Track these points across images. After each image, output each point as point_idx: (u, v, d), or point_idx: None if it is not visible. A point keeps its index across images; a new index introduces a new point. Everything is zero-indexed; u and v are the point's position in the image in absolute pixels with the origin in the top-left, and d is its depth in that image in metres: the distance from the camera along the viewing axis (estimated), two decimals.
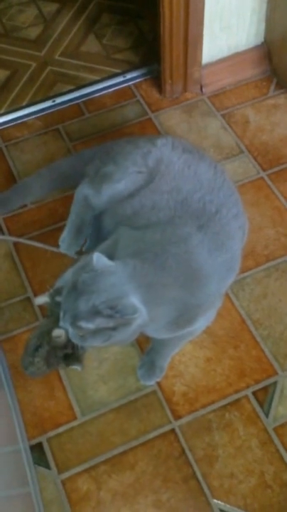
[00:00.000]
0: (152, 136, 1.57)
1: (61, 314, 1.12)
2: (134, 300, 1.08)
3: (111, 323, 1.07)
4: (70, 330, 1.11)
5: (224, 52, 1.92)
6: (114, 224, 1.34)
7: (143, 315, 1.09)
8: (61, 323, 1.12)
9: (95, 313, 1.06)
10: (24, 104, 1.95)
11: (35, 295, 1.49)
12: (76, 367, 1.29)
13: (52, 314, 1.32)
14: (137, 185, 1.35)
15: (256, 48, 1.95)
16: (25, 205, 1.69)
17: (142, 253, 1.16)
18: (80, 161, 1.61)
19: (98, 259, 1.10)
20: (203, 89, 1.94)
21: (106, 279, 1.09)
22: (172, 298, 1.15)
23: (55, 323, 1.24)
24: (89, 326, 1.07)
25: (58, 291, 1.30)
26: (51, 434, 1.31)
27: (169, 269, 1.15)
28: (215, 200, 1.29)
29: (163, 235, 1.22)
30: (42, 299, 1.38)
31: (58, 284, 1.34)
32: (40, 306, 1.48)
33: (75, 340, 1.13)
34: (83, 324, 1.07)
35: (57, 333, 1.26)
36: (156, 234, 1.22)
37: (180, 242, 1.20)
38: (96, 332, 1.08)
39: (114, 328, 1.08)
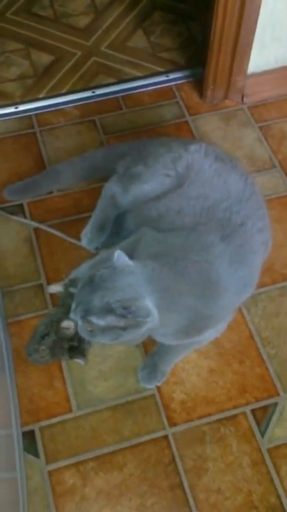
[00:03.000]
0: (186, 140, 1.56)
1: (73, 306, 1.12)
2: (149, 303, 1.07)
3: (122, 323, 1.07)
4: (80, 323, 1.11)
5: (270, 64, 1.89)
6: (137, 224, 1.33)
7: (155, 319, 1.09)
8: (71, 315, 1.12)
9: (108, 310, 1.06)
10: (64, 91, 1.95)
11: (49, 283, 1.50)
12: (79, 361, 1.29)
13: (63, 305, 1.32)
14: (164, 188, 1.34)
15: None
16: (51, 192, 1.69)
17: (162, 256, 1.15)
18: (113, 154, 1.61)
19: (119, 256, 1.10)
20: (244, 99, 1.92)
21: (123, 277, 1.08)
22: (186, 306, 1.14)
23: (65, 314, 1.24)
24: (100, 322, 1.07)
25: (73, 282, 1.30)
26: (44, 423, 1.31)
27: (187, 277, 1.15)
28: (242, 212, 1.28)
29: (185, 240, 1.21)
30: (55, 288, 1.38)
31: (73, 275, 1.35)
32: (52, 295, 1.48)
33: (83, 334, 1.13)
34: (94, 320, 1.07)
35: (67, 324, 1.26)
36: (179, 239, 1.22)
37: (202, 251, 1.19)
38: (105, 329, 1.08)
39: (124, 328, 1.08)
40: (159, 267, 1.12)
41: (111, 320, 1.06)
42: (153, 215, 1.31)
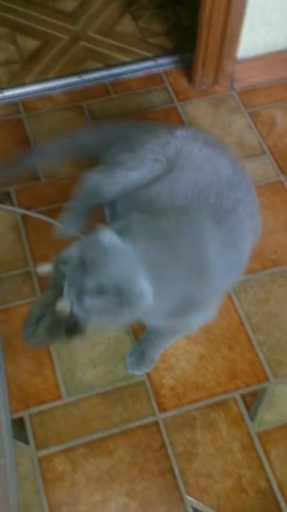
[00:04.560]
0: (173, 126, 1.54)
1: (66, 286, 1.10)
2: (142, 284, 1.06)
3: (116, 305, 1.06)
4: (75, 304, 1.09)
5: (260, 49, 1.88)
6: (127, 210, 1.32)
7: (148, 301, 1.08)
8: (65, 296, 1.11)
9: (102, 292, 1.05)
10: (51, 76, 1.93)
11: (37, 263, 1.48)
12: (79, 338, 1.26)
13: (55, 285, 1.29)
14: (154, 174, 1.33)
15: None
16: (38, 179, 1.67)
17: (155, 239, 1.14)
18: (102, 136, 1.59)
19: (107, 235, 1.08)
20: (233, 85, 1.91)
21: (116, 258, 1.07)
22: (178, 288, 1.14)
23: (58, 295, 1.22)
24: (94, 304, 1.06)
25: (63, 261, 1.28)
26: (34, 410, 1.31)
27: (179, 259, 1.14)
28: (232, 197, 1.27)
29: (177, 224, 1.20)
30: (45, 268, 1.35)
31: (63, 254, 1.32)
32: (40, 279, 1.47)
33: (80, 314, 1.11)
34: (87, 301, 1.06)
35: (62, 304, 1.22)
36: (171, 222, 1.21)
37: (194, 234, 1.19)
38: (100, 310, 1.07)
39: (118, 309, 1.06)
40: (152, 248, 1.11)
41: (104, 301, 1.05)
42: (143, 201, 1.30)
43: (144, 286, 1.06)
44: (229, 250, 1.22)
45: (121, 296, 1.05)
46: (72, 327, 1.25)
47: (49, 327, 1.24)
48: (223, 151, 1.38)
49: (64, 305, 1.21)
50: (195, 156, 1.32)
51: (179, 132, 1.36)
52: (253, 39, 1.83)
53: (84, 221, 1.45)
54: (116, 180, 1.37)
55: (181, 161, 1.32)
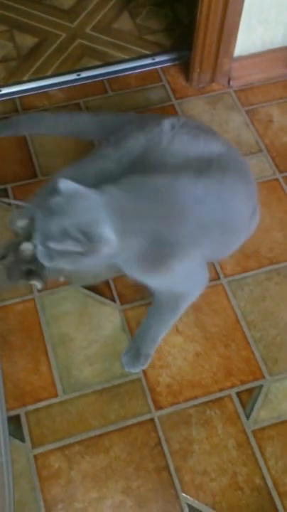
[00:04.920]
0: (164, 116, 1.51)
1: (34, 233, 1.14)
2: (106, 228, 1.09)
3: (79, 248, 1.08)
4: (39, 248, 1.13)
5: (257, 47, 1.87)
6: None
7: (112, 244, 1.10)
8: (33, 241, 1.15)
9: (64, 235, 1.08)
10: (48, 74, 1.93)
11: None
12: (36, 283, 1.28)
13: (25, 232, 1.30)
14: (137, 148, 1.34)
15: None
16: (35, 176, 1.67)
17: (124, 185, 1.17)
18: (101, 123, 1.62)
19: (67, 183, 1.11)
20: (231, 82, 1.91)
21: (79, 202, 1.10)
22: (146, 228, 1.14)
23: (26, 239, 1.24)
24: (58, 247, 1.09)
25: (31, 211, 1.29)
26: (30, 408, 1.31)
27: (148, 198, 1.16)
28: (224, 164, 1.29)
29: (156, 176, 1.22)
30: (23, 222, 1.35)
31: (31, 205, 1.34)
32: None
33: (43, 260, 1.14)
34: (52, 244, 1.09)
35: (26, 246, 1.24)
36: (150, 177, 1.22)
37: (170, 177, 1.20)
38: (64, 254, 1.10)
39: (81, 253, 1.09)
40: (117, 190, 1.14)
41: (68, 244, 1.08)
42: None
43: (107, 229, 1.09)
44: (212, 201, 1.22)
45: (84, 239, 1.07)
46: (31, 271, 1.26)
47: (9, 266, 1.26)
48: (216, 135, 1.38)
49: (28, 247, 1.23)
50: (183, 137, 1.32)
51: (166, 121, 1.36)
52: (250, 37, 1.83)
53: None
54: (90, 172, 1.37)
55: (167, 137, 1.32)
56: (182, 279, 1.30)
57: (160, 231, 1.15)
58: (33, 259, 1.23)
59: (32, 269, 1.26)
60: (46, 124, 1.72)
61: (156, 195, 1.17)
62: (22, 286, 1.47)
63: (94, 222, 1.09)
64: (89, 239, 1.08)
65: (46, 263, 1.15)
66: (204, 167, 1.25)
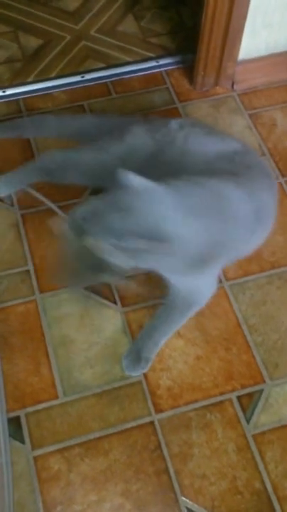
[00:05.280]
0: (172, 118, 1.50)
1: (92, 229, 1.07)
2: (172, 229, 1.05)
3: (142, 247, 1.04)
4: (105, 245, 1.07)
5: (261, 51, 1.88)
6: None
7: (176, 245, 1.07)
8: (91, 237, 1.08)
9: (129, 234, 1.04)
10: (52, 75, 1.93)
11: (36, 267, 1.49)
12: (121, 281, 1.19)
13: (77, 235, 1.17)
14: (144, 152, 1.34)
15: None
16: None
17: (187, 186, 1.14)
18: (103, 127, 1.61)
19: (135, 179, 1.06)
20: (234, 86, 1.91)
21: (149, 199, 1.06)
22: (206, 227, 1.12)
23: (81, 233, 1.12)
24: (121, 244, 1.04)
25: (82, 216, 1.21)
26: (30, 409, 1.31)
27: (207, 198, 1.14)
28: (246, 160, 1.31)
29: (203, 179, 1.21)
30: (60, 225, 1.25)
31: (81, 209, 1.27)
32: (39, 279, 1.48)
33: (100, 255, 1.08)
34: (114, 242, 1.04)
35: (90, 243, 1.12)
36: (196, 178, 1.21)
37: (219, 180, 1.20)
38: (126, 252, 1.05)
39: (143, 252, 1.05)
40: (184, 186, 1.11)
41: (131, 244, 1.03)
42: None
43: (178, 227, 1.06)
44: (250, 199, 1.23)
45: (149, 239, 1.03)
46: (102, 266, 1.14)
47: (90, 267, 1.15)
48: (228, 136, 1.41)
49: (91, 242, 1.11)
50: (197, 135, 1.33)
51: (173, 121, 1.37)
52: (254, 41, 1.83)
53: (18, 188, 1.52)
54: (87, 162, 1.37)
55: (181, 136, 1.33)
56: (211, 281, 1.30)
57: (216, 231, 1.14)
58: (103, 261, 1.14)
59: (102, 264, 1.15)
60: (50, 127, 1.72)
61: (214, 196, 1.16)
62: (25, 289, 1.47)
63: (161, 223, 1.05)
64: (154, 239, 1.04)
65: (106, 259, 1.08)
66: (229, 165, 1.26)
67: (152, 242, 1.04)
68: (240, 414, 1.32)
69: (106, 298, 1.46)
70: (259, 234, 1.34)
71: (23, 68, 1.95)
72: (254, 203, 1.25)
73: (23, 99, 1.87)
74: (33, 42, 2.03)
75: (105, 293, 1.47)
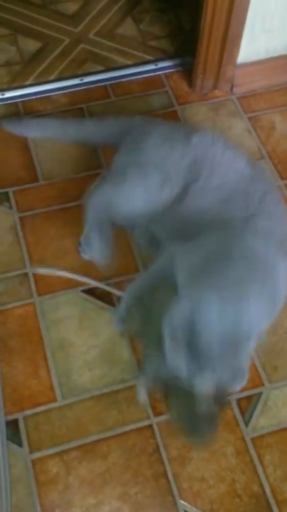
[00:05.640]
0: (188, 131, 1.45)
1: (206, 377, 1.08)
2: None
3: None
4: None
5: (260, 54, 1.88)
6: (163, 231, 1.31)
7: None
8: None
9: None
10: (51, 78, 1.93)
11: (34, 268, 1.50)
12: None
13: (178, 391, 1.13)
14: (177, 189, 1.32)
15: None
16: (37, 180, 1.67)
17: (215, 275, 1.12)
18: (108, 131, 1.62)
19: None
20: (233, 89, 1.91)
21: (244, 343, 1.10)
22: (269, 315, 1.17)
23: (195, 400, 1.11)
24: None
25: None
26: (29, 412, 1.31)
27: (251, 278, 1.13)
28: (259, 189, 1.30)
29: (219, 244, 1.19)
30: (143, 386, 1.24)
31: (132, 292, 1.27)
32: (38, 283, 1.47)
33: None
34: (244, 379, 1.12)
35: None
36: (212, 242, 1.20)
37: (241, 247, 1.18)
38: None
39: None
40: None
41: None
42: (177, 218, 1.29)
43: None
44: (270, 237, 1.22)
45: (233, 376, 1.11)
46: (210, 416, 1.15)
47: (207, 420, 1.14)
48: (240, 151, 1.40)
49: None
50: (218, 160, 1.33)
51: (196, 139, 1.36)
52: (254, 44, 1.83)
53: (110, 243, 1.41)
54: (134, 196, 1.33)
55: (205, 167, 1.32)
56: None
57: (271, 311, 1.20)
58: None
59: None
60: (53, 129, 1.72)
61: (251, 271, 1.15)
62: (23, 291, 1.47)
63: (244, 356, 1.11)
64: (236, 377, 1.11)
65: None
66: (247, 207, 1.27)
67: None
68: (239, 417, 1.32)
69: (105, 301, 1.46)
70: None
71: (21, 71, 1.96)
72: (278, 242, 1.23)
73: (22, 102, 1.87)
74: (31, 45, 2.04)
75: (104, 296, 1.46)
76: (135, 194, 1.34)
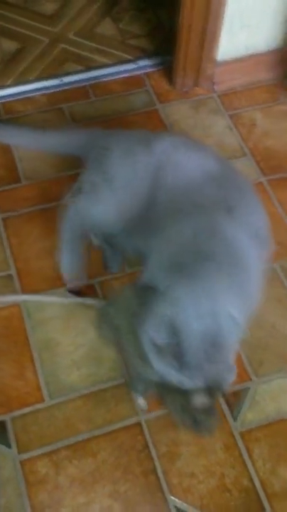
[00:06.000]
0: (149, 138, 1.42)
1: (196, 379, 1.08)
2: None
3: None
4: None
5: (240, 51, 1.89)
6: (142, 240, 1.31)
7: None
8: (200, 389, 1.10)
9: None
10: (31, 79, 1.93)
11: (18, 271, 1.49)
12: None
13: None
14: (143, 196, 1.32)
15: (275, 51, 1.91)
16: (19, 181, 1.66)
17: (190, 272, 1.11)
18: (68, 143, 1.60)
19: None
20: (214, 87, 1.92)
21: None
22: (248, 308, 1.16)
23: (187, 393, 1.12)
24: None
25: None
26: (16, 413, 1.30)
27: (230, 270, 1.13)
28: (231, 184, 1.31)
29: (193, 230, 1.19)
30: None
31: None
32: (22, 284, 1.47)
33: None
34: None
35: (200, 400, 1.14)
36: (185, 231, 1.19)
37: (216, 234, 1.18)
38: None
39: None
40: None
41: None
42: (151, 223, 1.29)
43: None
44: (252, 236, 1.22)
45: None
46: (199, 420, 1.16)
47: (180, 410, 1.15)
48: (206, 150, 1.39)
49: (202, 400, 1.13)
50: (184, 163, 1.32)
51: (157, 146, 1.35)
52: (233, 42, 1.84)
53: (82, 257, 1.42)
54: (107, 210, 1.34)
55: (170, 173, 1.31)
56: None
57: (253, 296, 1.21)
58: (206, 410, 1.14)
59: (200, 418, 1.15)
60: (14, 138, 1.71)
61: (229, 265, 1.14)
62: (7, 293, 1.47)
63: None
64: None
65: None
66: (225, 198, 1.26)
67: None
68: (227, 412, 1.32)
69: (91, 299, 1.46)
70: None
71: (1, 72, 1.95)
72: (256, 240, 1.23)
73: (2, 103, 1.86)
74: (10, 45, 2.03)
75: (90, 295, 1.46)
76: (108, 208, 1.35)
